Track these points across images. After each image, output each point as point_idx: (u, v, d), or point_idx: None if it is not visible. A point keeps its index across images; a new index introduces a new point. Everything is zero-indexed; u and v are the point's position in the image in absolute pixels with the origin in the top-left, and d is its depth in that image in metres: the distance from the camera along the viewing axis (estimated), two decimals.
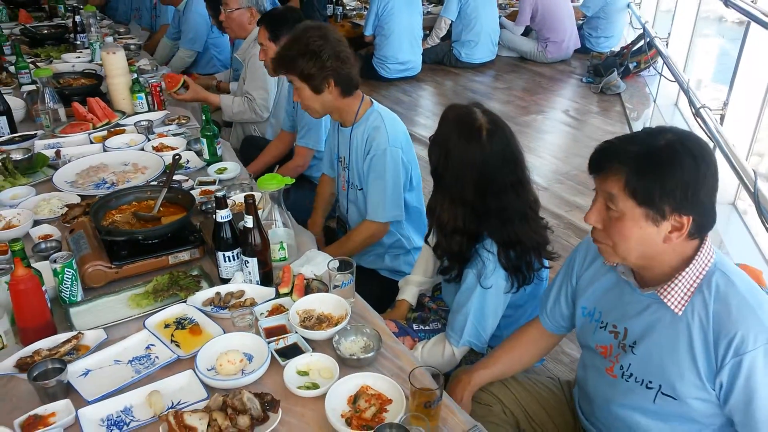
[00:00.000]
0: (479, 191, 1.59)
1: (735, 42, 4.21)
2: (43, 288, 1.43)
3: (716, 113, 3.44)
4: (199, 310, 1.54)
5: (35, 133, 2.58)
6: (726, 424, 1.24)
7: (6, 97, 2.67)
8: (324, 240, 2.45)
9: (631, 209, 1.17)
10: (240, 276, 1.65)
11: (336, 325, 1.47)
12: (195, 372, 1.33)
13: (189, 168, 2.35)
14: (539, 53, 6.33)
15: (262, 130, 3.25)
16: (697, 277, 1.20)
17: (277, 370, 1.35)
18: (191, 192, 2.04)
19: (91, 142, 2.55)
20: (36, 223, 1.95)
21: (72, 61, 3.63)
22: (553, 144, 4.63)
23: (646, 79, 5.73)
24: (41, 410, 1.24)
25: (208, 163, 2.36)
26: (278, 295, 1.61)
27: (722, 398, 1.20)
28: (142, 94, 2.85)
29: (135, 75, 2.88)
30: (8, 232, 1.86)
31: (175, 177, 2.07)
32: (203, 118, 2.35)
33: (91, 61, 3.63)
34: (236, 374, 1.33)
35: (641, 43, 5.62)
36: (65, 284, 1.53)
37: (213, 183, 2.23)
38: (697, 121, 3.33)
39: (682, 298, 1.21)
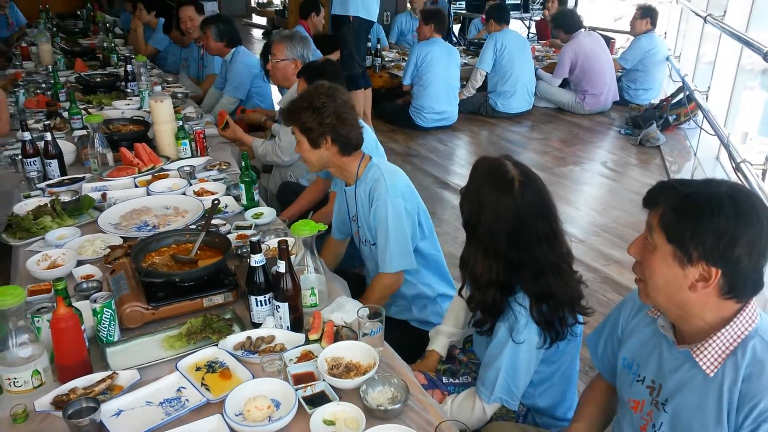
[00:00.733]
0: (512, 243, 1.59)
1: None
2: (83, 327, 1.47)
3: (758, 168, 3.38)
4: (230, 354, 1.55)
5: (83, 176, 2.70)
6: None
7: (59, 141, 2.79)
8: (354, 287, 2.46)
9: (662, 244, 1.18)
10: (271, 321, 1.67)
11: (364, 374, 1.47)
12: (223, 417, 1.34)
13: (227, 212, 2.41)
14: (577, 105, 6.34)
15: (297, 176, 3.33)
16: (734, 341, 1.17)
17: (304, 418, 1.35)
18: (228, 236, 2.09)
19: (136, 186, 2.65)
20: (79, 263, 2.02)
21: (122, 108, 3.79)
22: (591, 196, 4.59)
23: (687, 132, 5.67)
24: None
25: (246, 208, 2.42)
26: (308, 341, 1.62)
27: None
28: (187, 141, 2.97)
29: (181, 122, 3.00)
30: (53, 271, 1.93)
31: (213, 221, 2.13)
32: (242, 164, 2.43)
33: (140, 108, 3.79)
34: (263, 421, 1.34)
35: (681, 95, 5.60)
36: (103, 324, 1.58)
37: (249, 227, 2.28)
38: (738, 176, 3.27)
39: (716, 360, 1.18)
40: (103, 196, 2.49)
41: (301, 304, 1.70)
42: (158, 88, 4.00)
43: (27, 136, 2.67)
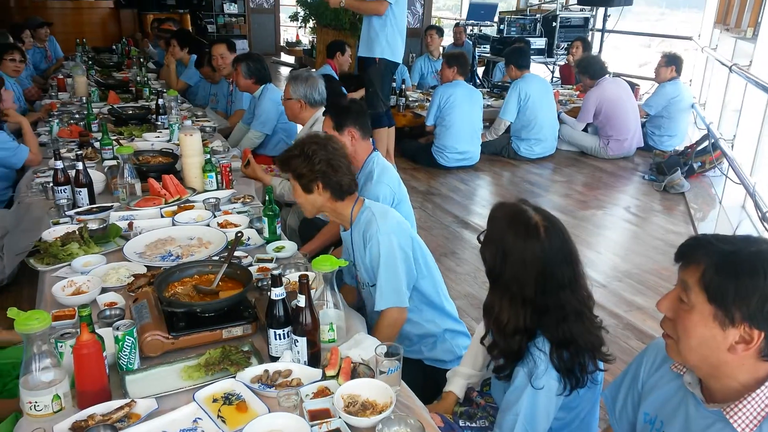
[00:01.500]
0: (539, 289, 1.57)
1: None
2: (104, 354, 1.49)
3: None
4: (247, 386, 1.56)
5: (111, 205, 2.76)
6: None
7: (89, 170, 2.86)
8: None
9: (701, 304, 1.14)
10: (289, 355, 1.67)
11: (380, 412, 1.46)
12: None
13: (249, 245, 2.44)
14: (601, 149, 6.35)
15: None
16: None
17: None
18: (249, 268, 2.12)
19: (162, 216, 2.70)
20: (103, 290, 2.05)
21: (152, 140, 3.89)
22: (613, 240, 4.56)
23: (712, 180, 5.62)
24: None
25: (268, 241, 2.45)
26: (324, 377, 1.62)
27: None
28: (213, 174, 3.02)
29: (208, 155, 3.06)
30: (77, 297, 1.96)
31: (235, 253, 2.16)
32: (266, 198, 2.47)
33: (169, 140, 3.88)
34: None
35: (706, 143, 5.57)
36: (124, 351, 1.59)
37: (270, 260, 2.30)
38: (764, 226, 3.23)
39: (752, 421, 1.13)
40: (130, 225, 2.54)
41: (319, 339, 1.70)
42: (188, 122, 4.10)
43: (59, 164, 2.75)
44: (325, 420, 1.45)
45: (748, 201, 4.51)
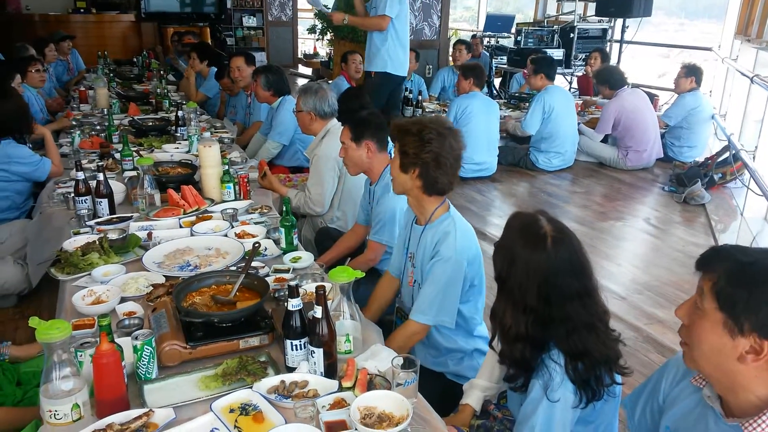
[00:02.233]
0: (542, 299, 1.57)
1: None
2: (123, 363, 1.50)
3: None
4: (264, 397, 1.56)
5: (131, 216, 2.79)
6: None
7: (110, 181, 2.90)
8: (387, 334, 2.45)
9: (712, 311, 1.14)
10: (305, 365, 1.67)
11: (397, 425, 1.45)
12: None
13: (266, 255, 2.45)
14: (619, 160, 6.29)
15: (327, 221, 3.39)
16: None
17: None
18: (266, 279, 2.12)
19: (181, 227, 2.72)
20: (123, 300, 2.07)
21: (171, 151, 3.93)
22: (632, 252, 4.51)
23: (733, 191, 5.55)
24: None
25: (284, 252, 2.46)
26: (341, 388, 1.61)
27: None
28: (231, 184, 3.05)
29: (226, 166, 3.09)
30: (97, 307, 1.98)
31: (253, 263, 2.17)
32: (283, 209, 2.48)
33: (188, 151, 3.93)
34: None
35: (726, 154, 5.50)
36: (143, 361, 1.60)
37: (287, 271, 2.30)
38: None
39: None
40: (149, 235, 2.56)
41: (335, 350, 1.70)
42: (207, 134, 4.14)
43: (80, 175, 2.79)
44: None
45: None
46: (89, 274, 2.23)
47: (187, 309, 1.84)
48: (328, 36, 10.55)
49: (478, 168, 5.89)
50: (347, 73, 6.39)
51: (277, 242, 2.54)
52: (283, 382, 1.62)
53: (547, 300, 1.57)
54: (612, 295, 3.67)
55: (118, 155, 3.61)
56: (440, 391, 2.18)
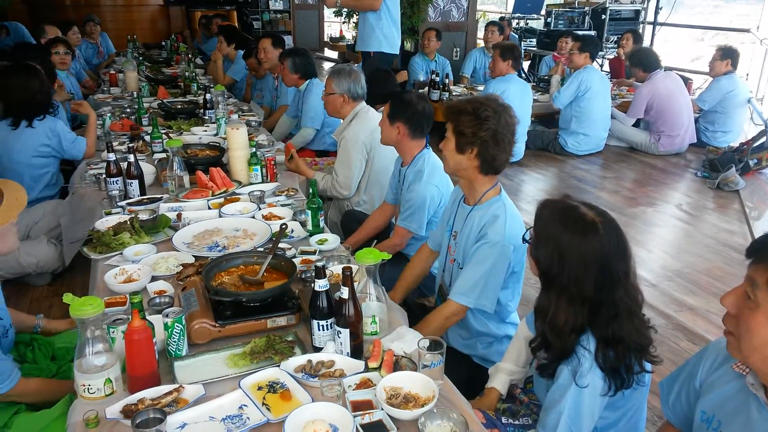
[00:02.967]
0: (598, 286, 1.52)
1: None
2: (154, 340, 1.53)
3: None
4: (291, 375, 1.57)
5: (161, 197, 2.83)
6: None
7: (140, 163, 2.94)
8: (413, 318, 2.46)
9: (767, 304, 1.09)
10: (332, 346, 1.68)
11: (423, 406, 1.45)
12: None
13: (293, 237, 2.47)
14: (651, 145, 6.16)
15: (353, 204, 3.39)
16: None
17: None
18: (293, 260, 2.13)
19: (209, 208, 2.75)
20: (153, 278, 2.10)
21: (199, 134, 3.97)
22: (664, 239, 4.43)
23: None
24: None
25: (311, 234, 2.47)
26: (367, 369, 1.62)
27: None
28: (258, 167, 3.07)
29: (254, 149, 3.11)
30: (129, 285, 2.02)
31: (279, 245, 2.18)
32: (310, 191, 2.49)
33: (216, 134, 3.95)
34: None
35: (763, 139, 5.36)
36: (173, 338, 1.63)
37: (314, 253, 2.31)
38: None
39: None
40: (179, 216, 2.59)
41: (362, 331, 1.70)
42: (234, 116, 4.16)
43: (111, 156, 2.83)
44: (368, 411, 1.45)
45: None
46: (121, 254, 2.28)
47: (216, 288, 1.86)
48: (354, 19, 10.49)
49: None
50: None
51: (303, 224, 2.55)
52: (309, 361, 1.64)
53: (601, 287, 1.52)
54: (643, 281, 3.59)
55: (147, 137, 3.66)
56: (466, 374, 2.18)
